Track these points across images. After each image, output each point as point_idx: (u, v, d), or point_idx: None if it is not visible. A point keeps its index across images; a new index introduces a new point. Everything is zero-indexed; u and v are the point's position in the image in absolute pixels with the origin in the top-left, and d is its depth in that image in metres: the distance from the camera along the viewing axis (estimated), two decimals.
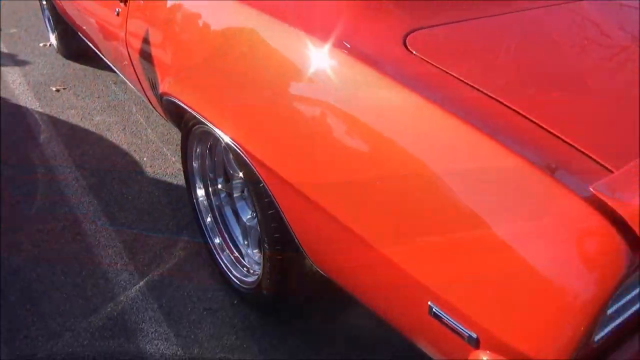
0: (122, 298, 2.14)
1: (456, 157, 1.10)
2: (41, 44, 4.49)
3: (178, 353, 1.94)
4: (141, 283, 2.20)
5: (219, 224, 2.19)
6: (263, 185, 1.57)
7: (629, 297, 1.03)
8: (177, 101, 1.86)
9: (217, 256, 2.17)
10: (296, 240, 1.59)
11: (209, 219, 2.21)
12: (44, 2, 4.21)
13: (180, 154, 2.24)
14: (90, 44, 3.27)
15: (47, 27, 4.39)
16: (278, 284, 1.81)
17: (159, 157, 3.02)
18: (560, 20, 1.61)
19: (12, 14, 5.21)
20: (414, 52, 1.30)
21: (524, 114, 1.12)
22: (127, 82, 2.78)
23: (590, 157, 1.03)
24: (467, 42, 1.41)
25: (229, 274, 2.10)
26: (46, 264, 2.30)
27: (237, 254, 2.12)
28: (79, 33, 3.42)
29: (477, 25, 1.47)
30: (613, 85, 1.32)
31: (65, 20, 3.64)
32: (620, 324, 1.05)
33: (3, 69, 4.04)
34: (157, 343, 1.97)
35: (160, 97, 2.02)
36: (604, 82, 1.33)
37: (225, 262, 2.13)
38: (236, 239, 2.14)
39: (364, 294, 1.44)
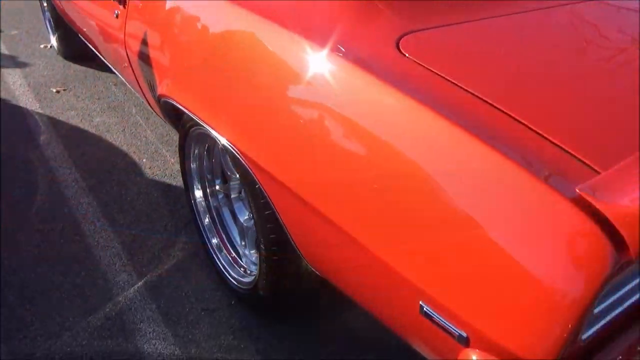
0: (120, 298, 2.16)
1: (446, 158, 1.12)
2: (42, 46, 4.51)
3: (175, 353, 1.95)
4: (139, 283, 2.22)
5: (216, 224, 2.21)
6: (259, 186, 1.59)
7: (615, 296, 1.05)
8: (174, 103, 1.88)
9: (214, 257, 2.18)
10: (292, 241, 1.61)
11: (207, 220, 2.23)
12: (45, 4, 4.23)
13: (178, 155, 2.26)
14: (91, 46, 3.29)
15: (47, 28, 4.41)
16: (274, 285, 1.83)
17: (158, 158, 3.04)
18: (553, 22, 1.63)
19: (13, 15, 5.23)
20: (407, 55, 1.32)
21: (514, 116, 1.14)
22: (127, 83, 2.80)
23: (579, 159, 1.04)
24: (459, 45, 1.43)
25: (227, 274, 2.12)
26: (45, 264, 2.31)
27: (234, 254, 2.14)
28: (79, 35, 3.44)
29: (470, 28, 1.48)
30: (604, 87, 1.34)
31: (66, 22, 3.65)
32: (607, 323, 1.07)
33: (4, 70, 4.06)
34: (155, 343, 1.98)
35: (159, 99, 2.04)
36: (595, 84, 1.34)
37: (223, 262, 2.15)
38: (234, 240, 2.16)
39: (358, 294, 1.46)
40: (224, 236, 2.18)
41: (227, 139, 1.63)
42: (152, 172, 2.93)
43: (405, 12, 1.47)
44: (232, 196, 2.13)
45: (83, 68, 4.10)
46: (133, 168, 2.96)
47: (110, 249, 2.40)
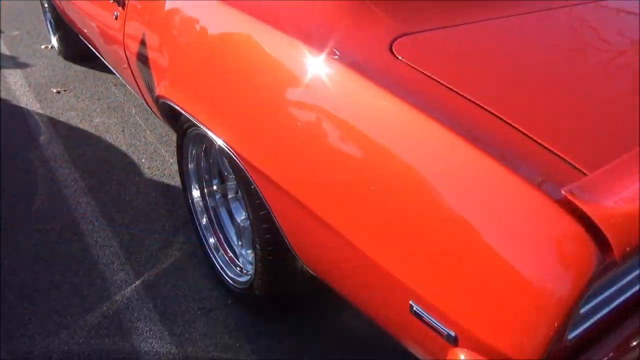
0: (117, 297, 2.17)
1: (436, 161, 1.13)
2: (43, 46, 4.53)
3: (172, 351, 1.97)
4: (137, 282, 2.23)
5: (214, 224, 2.22)
6: (254, 187, 1.61)
7: (601, 297, 1.06)
8: (172, 104, 1.89)
9: (211, 256, 2.20)
10: (287, 241, 1.62)
11: (204, 220, 2.25)
12: (46, 5, 4.25)
13: (176, 155, 2.28)
14: (91, 47, 3.31)
15: (48, 29, 4.43)
16: (270, 284, 1.84)
17: (157, 158, 3.06)
18: (546, 25, 1.64)
19: (15, 16, 5.25)
20: (400, 58, 1.33)
21: (505, 119, 1.15)
22: (126, 84, 2.81)
23: (567, 161, 1.06)
24: (452, 48, 1.44)
25: (223, 274, 2.14)
26: (44, 263, 2.33)
27: (231, 254, 2.16)
28: (80, 36, 3.46)
29: (464, 31, 1.50)
30: (595, 90, 1.35)
31: (66, 23, 3.68)
32: (593, 323, 1.08)
33: (5, 70, 4.08)
34: (152, 341, 2.00)
35: (156, 100, 2.06)
36: (587, 87, 1.36)
37: (220, 262, 2.17)
38: (230, 240, 2.18)
39: (351, 294, 1.48)
40: (221, 236, 2.20)
41: (223, 140, 1.65)
42: (151, 172, 2.94)
43: (399, 15, 1.49)
44: (229, 196, 2.15)
45: (83, 69, 4.12)
46: (132, 168, 2.98)
47: (108, 248, 2.42)
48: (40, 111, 3.54)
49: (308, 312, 2.13)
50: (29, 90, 3.80)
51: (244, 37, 1.62)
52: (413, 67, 1.31)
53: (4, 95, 3.71)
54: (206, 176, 2.18)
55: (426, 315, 1.13)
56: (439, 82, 1.25)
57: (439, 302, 1.10)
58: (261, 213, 1.66)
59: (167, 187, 2.83)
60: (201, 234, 2.26)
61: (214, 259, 2.19)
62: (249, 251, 2.08)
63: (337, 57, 1.34)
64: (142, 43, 2.15)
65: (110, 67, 3.06)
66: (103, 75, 4.00)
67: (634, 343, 1.17)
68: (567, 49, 1.53)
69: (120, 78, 2.90)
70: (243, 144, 1.59)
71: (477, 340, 1.05)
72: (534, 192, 0.99)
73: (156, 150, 3.12)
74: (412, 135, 1.19)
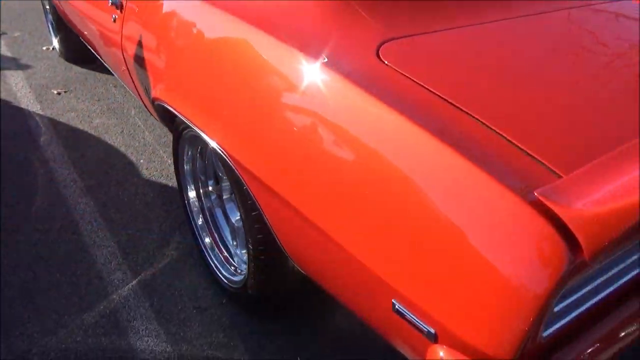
0: (115, 296, 2.21)
1: (418, 164, 1.16)
2: (44, 48, 4.57)
3: (167, 350, 2.00)
4: (134, 282, 2.27)
5: (209, 224, 2.26)
6: (246, 188, 1.64)
7: (576, 296, 1.10)
8: (167, 106, 1.93)
9: (207, 256, 2.24)
10: (278, 241, 1.66)
11: (200, 220, 2.28)
12: (47, 7, 4.29)
13: (172, 156, 2.31)
14: (91, 48, 3.34)
15: (49, 31, 4.47)
16: (262, 284, 1.88)
17: (156, 159, 3.10)
18: (532, 30, 1.67)
19: (16, 17, 5.30)
20: (386, 63, 1.37)
21: (487, 123, 1.18)
22: (125, 85, 2.85)
23: (544, 164, 1.09)
24: (438, 53, 1.47)
25: (218, 273, 2.17)
26: (43, 262, 2.37)
27: (226, 253, 2.19)
28: (80, 37, 3.50)
29: (450, 36, 1.53)
30: (577, 94, 1.38)
31: (67, 24, 3.72)
32: (569, 321, 1.12)
33: (6, 71, 4.12)
34: (148, 340, 2.03)
35: (153, 102, 2.09)
36: (568, 91, 1.39)
37: (215, 261, 2.20)
38: (226, 239, 2.21)
39: (339, 292, 1.51)
40: (216, 236, 2.24)
41: (216, 142, 1.68)
42: (149, 173, 2.98)
43: (386, 19, 1.52)
44: (224, 197, 2.18)
45: (84, 70, 4.16)
46: (131, 169, 3.02)
47: (106, 248, 2.45)
48: (40, 112, 3.58)
49: (301, 311, 2.16)
50: (29, 92, 3.84)
51: (236, 41, 1.66)
52: (399, 72, 1.34)
53: (4, 96, 3.75)
54: (202, 177, 2.22)
55: (408, 313, 1.17)
56: (423, 86, 1.28)
57: (420, 300, 1.13)
58: (253, 213, 1.70)
59: (164, 188, 2.86)
60: (197, 233, 2.29)
61: (209, 259, 2.23)
62: (243, 251, 2.11)
63: (325, 61, 1.37)
64: (139, 46, 2.18)
65: (109, 68, 3.10)
66: (103, 76, 4.04)
67: (610, 341, 1.20)
68: (551, 53, 1.56)
69: (120, 80, 2.94)
70: (235, 146, 1.62)
71: (456, 337, 1.08)
72: (510, 194, 1.02)
73: (154, 151, 3.16)
74: (396, 139, 1.21)
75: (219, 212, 2.24)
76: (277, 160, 1.49)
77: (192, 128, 1.83)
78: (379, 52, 1.40)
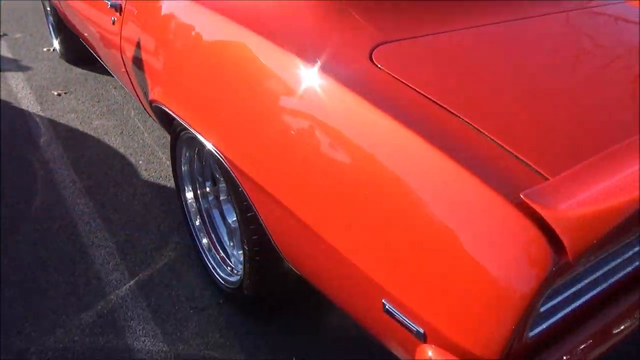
0: (112, 296, 2.23)
1: (408, 166, 1.18)
2: (45, 49, 4.60)
3: (164, 349, 2.02)
4: (131, 282, 2.29)
5: (206, 225, 2.28)
6: (241, 189, 1.66)
7: (561, 297, 1.11)
8: (165, 108, 1.95)
9: (204, 256, 2.26)
10: (272, 242, 1.67)
11: (197, 221, 2.30)
12: (48, 8, 4.31)
13: (170, 157, 2.33)
14: (91, 50, 3.37)
15: (50, 32, 4.50)
16: (258, 284, 1.89)
17: (154, 160, 3.12)
18: (526, 34, 1.69)
19: (17, 18, 5.33)
20: (379, 66, 1.38)
21: (477, 127, 1.20)
22: (124, 87, 2.87)
23: (531, 167, 1.11)
24: (431, 56, 1.49)
25: (215, 274, 2.19)
26: (42, 262, 2.39)
27: (223, 254, 2.21)
28: (80, 39, 3.52)
29: (443, 39, 1.54)
30: (566, 98, 1.40)
31: (68, 26, 3.74)
32: (556, 322, 1.13)
33: (7, 73, 4.15)
34: (144, 340, 2.05)
35: (151, 104, 2.11)
36: (559, 95, 1.41)
37: (212, 262, 2.22)
38: (223, 240, 2.23)
39: (332, 293, 1.53)
40: (213, 236, 2.25)
41: (212, 144, 1.70)
42: (148, 174, 3.00)
43: (379, 23, 1.54)
44: (221, 198, 2.20)
45: (84, 71, 4.19)
46: (129, 170, 3.04)
47: (104, 248, 2.47)
48: (40, 113, 3.60)
49: (297, 312, 2.18)
50: (30, 93, 3.86)
51: (231, 44, 1.68)
52: (391, 75, 1.35)
53: (5, 97, 3.78)
54: (199, 178, 2.23)
55: (397, 314, 1.18)
56: (414, 89, 1.30)
57: (410, 301, 1.15)
58: (248, 215, 1.72)
59: (163, 189, 2.88)
60: (194, 234, 2.31)
61: (206, 259, 2.25)
62: (239, 252, 2.13)
63: (318, 64, 1.39)
64: (138, 48, 2.20)
65: (109, 70, 3.12)
66: (103, 78, 4.06)
67: (596, 342, 1.22)
68: (542, 56, 1.57)
69: (119, 81, 2.96)
70: (231, 148, 1.64)
71: (444, 337, 1.10)
72: (497, 197, 1.03)
73: (153, 153, 3.18)
74: (386, 142, 1.23)
75: (216, 213, 2.26)
76: (271, 163, 1.51)
77: (189, 130, 1.85)
78: (372, 55, 1.41)
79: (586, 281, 1.17)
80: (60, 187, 2.88)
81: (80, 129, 3.44)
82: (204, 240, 2.27)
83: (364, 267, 1.24)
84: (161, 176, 2.98)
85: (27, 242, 2.50)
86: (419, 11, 1.62)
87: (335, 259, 1.34)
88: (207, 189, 2.24)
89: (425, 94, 1.29)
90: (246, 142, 1.60)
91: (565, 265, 0.97)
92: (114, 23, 2.45)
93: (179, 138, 2.11)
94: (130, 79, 2.47)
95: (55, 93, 3.86)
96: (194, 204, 2.31)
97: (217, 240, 2.25)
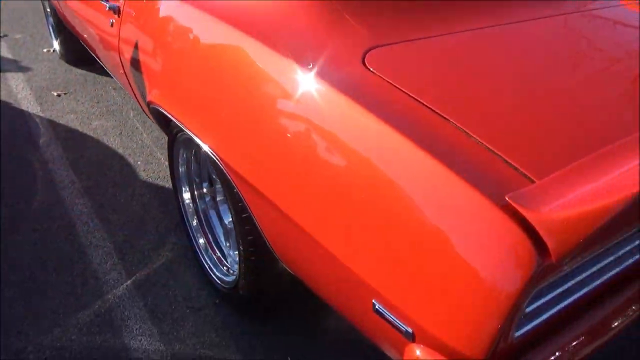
0: (109, 296, 2.25)
1: (399, 170, 1.20)
2: (45, 50, 4.62)
3: (160, 349, 2.04)
4: (129, 282, 2.31)
5: (203, 225, 2.30)
6: (237, 190, 1.68)
7: (547, 298, 1.13)
8: (162, 110, 1.97)
9: (201, 257, 2.28)
10: (267, 242, 1.69)
11: (194, 221, 2.32)
12: (48, 9, 4.33)
13: (167, 158, 2.35)
14: (90, 51, 3.39)
15: (50, 33, 4.52)
16: (253, 284, 1.92)
17: (153, 161, 3.14)
18: (518, 37, 1.71)
19: (18, 19, 5.36)
20: (371, 70, 1.40)
21: (467, 130, 1.22)
22: (123, 88, 2.89)
23: (518, 169, 1.13)
24: (423, 60, 1.50)
25: (212, 274, 2.21)
26: (41, 262, 2.41)
27: (219, 254, 2.23)
28: (80, 40, 3.54)
29: (435, 43, 1.56)
30: (555, 102, 1.42)
31: (67, 26, 3.76)
32: (542, 323, 1.15)
33: (7, 73, 4.17)
34: (141, 339, 2.07)
35: (148, 105, 2.14)
36: (549, 98, 1.42)
37: (209, 262, 2.25)
38: (219, 240, 2.25)
39: (324, 293, 1.55)
40: (210, 237, 2.28)
41: (208, 146, 1.72)
42: (147, 174, 3.02)
43: (373, 26, 1.55)
44: (218, 199, 2.22)
45: (84, 72, 4.21)
46: (128, 170, 3.06)
47: (102, 248, 2.49)
48: (40, 114, 3.63)
49: (292, 312, 2.20)
50: (30, 93, 3.89)
51: (227, 47, 1.70)
52: (384, 79, 1.37)
53: (5, 98, 3.80)
54: (196, 179, 2.26)
55: (387, 313, 1.20)
56: (405, 93, 1.32)
57: (398, 301, 1.17)
58: (243, 215, 1.74)
59: (161, 190, 2.90)
60: (191, 235, 2.33)
61: (203, 260, 2.27)
62: (235, 252, 2.15)
63: (311, 68, 1.41)
64: (136, 50, 2.22)
65: (108, 71, 3.14)
66: (103, 78, 4.09)
67: (582, 343, 1.24)
68: (534, 60, 1.59)
69: (118, 82, 2.98)
70: (226, 149, 1.66)
71: (431, 336, 1.12)
72: (483, 199, 1.05)
73: (152, 153, 3.20)
74: (377, 145, 1.25)
75: (212, 214, 2.28)
76: (265, 165, 1.53)
77: (185, 131, 1.87)
78: (365, 59, 1.43)
79: (571, 283, 1.19)
80: (59, 187, 2.90)
81: (80, 129, 3.46)
82: (201, 241, 2.30)
83: (355, 268, 1.26)
84: (159, 177, 3.00)
85: (26, 242, 2.52)
86: (412, 14, 1.64)
87: (327, 260, 1.36)
88: (204, 190, 2.26)
89: (416, 97, 1.30)
90: (241, 144, 1.62)
91: (549, 266, 0.99)
92: (112, 25, 2.47)
93: (176, 139, 2.13)
94: (128, 80, 2.49)
95: (55, 94, 3.89)
96: (191, 205, 2.33)
97: (213, 241, 2.27)
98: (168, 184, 2.92)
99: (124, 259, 2.43)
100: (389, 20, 1.60)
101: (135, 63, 2.25)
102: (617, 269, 1.32)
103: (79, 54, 4.05)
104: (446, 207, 1.11)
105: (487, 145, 1.19)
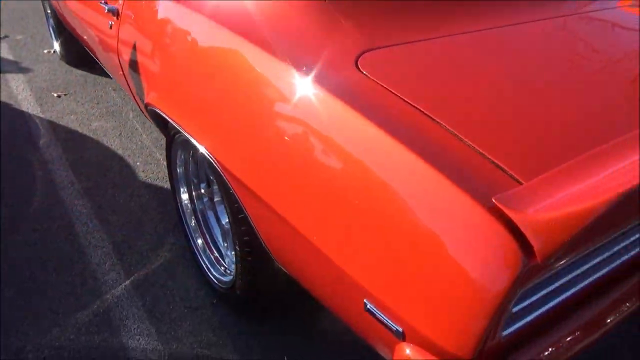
0: (108, 296, 2.27)
1: (390, 172, 1.22)
2: (45, 51, 4.64)
3: (158, 348, 2.06)
4: (127, 282, 2.33)
5: (201, 226, 2.32)
6: (233, 192, 1.70)
7: (533, 298, 1.15)
8: (159, 111, 1.99)
9: (199, 257, 2.30)
10: (263, 243, 1.72)
11: (192, 222, 2.34)
12: (48, 11, 4.36)
13: (166, 160, 2.37)
14: (90, 52, 3.41)
15: (51, 34, 4.54)
16: (249, 284, 1.93)
17: (152, 162, 3.16)
18: (514, 40, 1.72)
19: (19, 20, 5.38)
20: (364, 73, 1.42)
21: (458, 133, 1.24)
22: (122, 89, 2.92)
23: (506, 171, 1.15)
24: (416, 63, 1.52)
25: (209, 274, 2.24)
26: (40, 262, 2.43)
27: (217, 254, 2.25)
28: (80, 41, 3.56)
29: (429, 46, 1.58)
30: (545, 105, 1.43)
31: (67, 28, 3.78)
32: (529, 323, 1.18)
33: (8, 74, 4.19)
34: (139, 338, 2.09)
35: (146, 107, 2.16)
36: (540, 101, 1.44)
37: (207, 262, 2.27)
38: (217, 241, 2.27)
39: (318, 293, 1.57)
40: (207, 237, 2.30)
41: (205, 148, 1.74)
42: (146, 175, 3.04)
43: (366, 29, 1.57)
44: (216, 199, 2.24)
45: (84, 73, 4.23)
46: (127, 171, 3.08)
47: (101, 249, 2.51)
48: (40, 115, 3.65)
49: (288, 312, 2.22)
50: (30, 94, 3.91)
51: (223, 50, 1.72)
52: (376, 83, 1.39)
53: (5, 99, 3.82)
54: (194, 180, 2.28)
55: (378, 313, 1.22)
56: (397, 96, 1.34)
57: (389, 300, 1.19)
58: (239, 216, 1.76)
59: (160, 190, 2.92)
60: (189, 235, 2.35)
61: (200, 260, 2.29)
62: (233, 252, 2.16)
63: (304, 70, 1.43)
64: (134, 52, 2.25)
65: (107, 72, 3.16)
66: (103, 80, 4.11)
67: (570, 343, 1.26)
68: (527, 63, 1.61)
69: (117, 83, 3.00)
70: (222, 151, 1.68)
71: (421, 335, 1.14)
72: (470, 201, 1.07)
73: (151, 154, 3.22)
74: (369, 148, 1.27)
75: (210, 214, 2.30)
76: (260, 166, 1.55)
77: (183, 133, 1.89)
78: (358, 62, 1.45)
79: (558, 284, 1.21)
80: (59, 188, 2.93)
81: (80, 130, 3.48)
82: (199, 241, 2.32)
83: (347, 268, 1.28)
84: (158, 177, 3.02)
85: (26, 242, 2.54)
86: (405, 17, 1.66)
87: (320, 260, 1.38)
88: (202, 191, 2.28)
89: (408, 101, 1.32)
90: (237, 147, 1.64)
91: (535, 267, 1.01)
92: (111, 27, 2.49)
93: (173, 141, 2.15)
94: (127, 82, 2.51)
95: (55, 95, 3.91)
96: (189, 205, 2.35)
97: (211, 241, 2.29)
98: (167, 185, 2.94)
99: (122, 259, 2.46)
100: (383, 23, 1.61)
101: (134, 65, 2.27)
102: (605, 270, 1.34)
103: (79, 55, 4.08)
104: (436, 209, 1.13)
105: (477, 148, 1.21)
